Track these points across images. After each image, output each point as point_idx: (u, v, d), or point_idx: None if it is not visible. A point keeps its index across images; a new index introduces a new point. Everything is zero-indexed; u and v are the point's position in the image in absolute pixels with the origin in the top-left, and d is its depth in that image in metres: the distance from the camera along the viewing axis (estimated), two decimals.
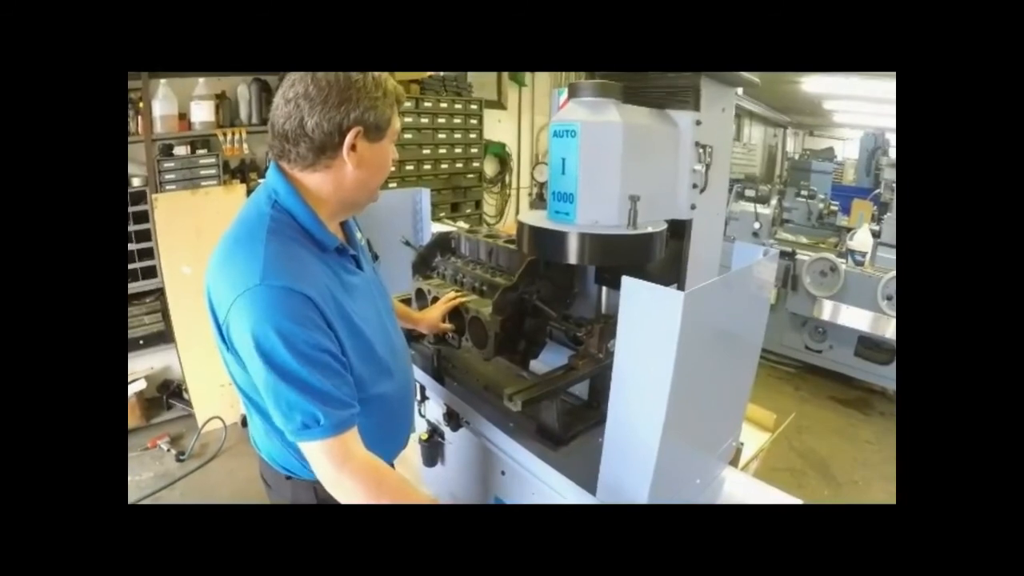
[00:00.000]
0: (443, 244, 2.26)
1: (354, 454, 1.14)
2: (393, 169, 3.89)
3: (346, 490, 1.15)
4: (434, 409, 2.33)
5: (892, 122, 8.97)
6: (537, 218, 1.57)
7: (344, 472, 1.13)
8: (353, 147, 1.18)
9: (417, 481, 2.82)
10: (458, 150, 5.31)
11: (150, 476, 3.29)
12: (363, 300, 1.30)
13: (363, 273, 1.35)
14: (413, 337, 2.39)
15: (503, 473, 2.01)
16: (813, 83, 8.30)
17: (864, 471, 3.53)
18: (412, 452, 2.85)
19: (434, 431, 2.41)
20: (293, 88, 1.17)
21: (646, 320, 1.17)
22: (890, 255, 4.18)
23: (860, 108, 9.91)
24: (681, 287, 1.66)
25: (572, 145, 1.44)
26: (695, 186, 1.64)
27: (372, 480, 1.16)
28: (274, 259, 1.09)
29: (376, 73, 1.22)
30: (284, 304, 1.06)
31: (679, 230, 1.68)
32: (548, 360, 2.01)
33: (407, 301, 2.32)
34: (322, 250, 1.22)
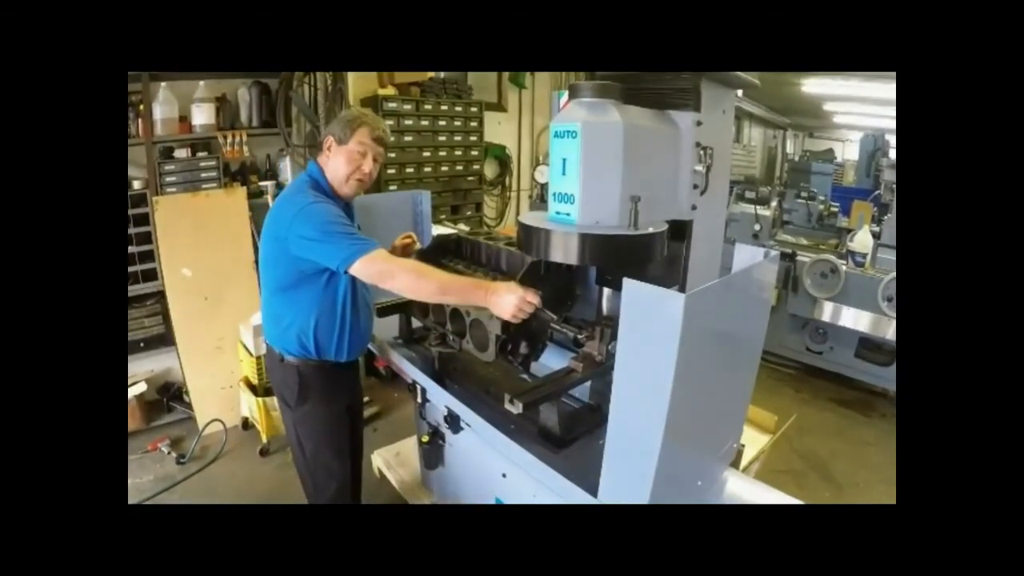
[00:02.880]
0: (444, 246, 2.26)
1: (397, 259, 1.87)
2: (392, 171, 4.11)
3: (403, 282, 1.75)
4: (435, 411, 2.33)
5: (892, 124, 8.97)
6: (538, 219, 1.57)
7: (394, 266, 1.77)
8: (328, 147, 1.99)
9: (418, 483, 2.83)
10: (458, 152, 5.30)
11: (150, 479, 3.28)
12: None
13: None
14: (414, 339, 2.40)
15: (504, 475, 2.01)
16: (813, 85, 8.29)
17: (865, 473, 3.52)
18: (413, 454, 2.85)
19: (435, 433, 2.41)
20: None
21: (647, 322, 1.17)
22: (890, 256, 4.16)
23: (860, 110, 9.90)
24: (682, 288, 1.66)
25: (573, 146, 1.44)
26: (696, 187, 1.64)
27: (415, 269, 1.78)
28: (313, 195, 1.90)
29: (360, 111, 2.13)
30: (324, 207, 1.85)
31: (680, 231, 1.68)
32: (549, 362, 2.01)
33: (407, 304, 2.32)
34: (335, 203, 1.94)
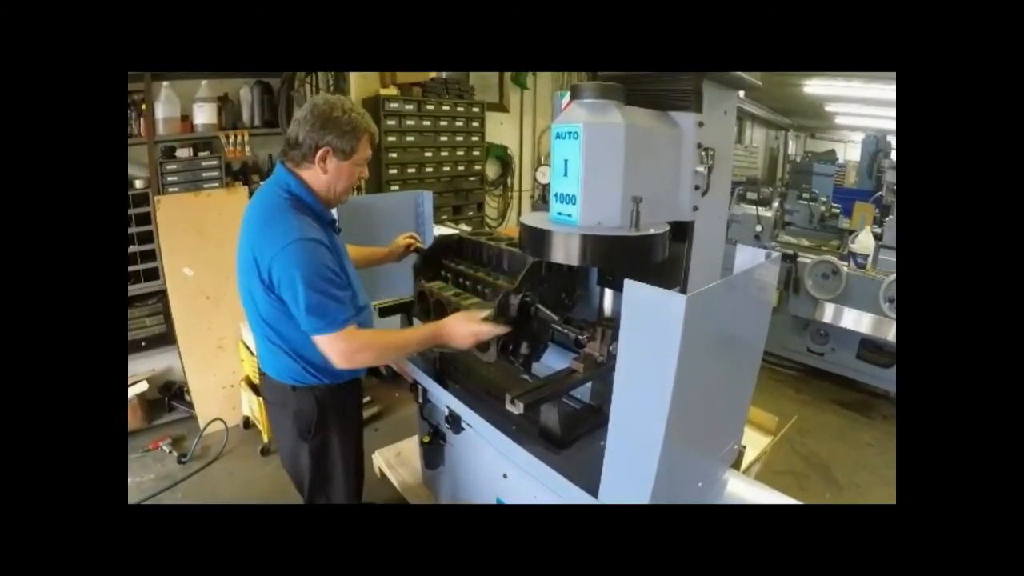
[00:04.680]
0: (445, 247, 2.26)
1: (359, 336, 1.73)
2: (394, 172, 4.11)
3: (361, 361, 1.77)
4: (436, 411, 2.33)
5: (894, 124, 8.96)
6: (539, 219, 1.57)
7: (354, 349, 1.71)
8: (323, 160, 1.74)
9: (419, 483, 2.83)
10: (460, 153, 5.31)
11: (152, 478, 3.28)
12: (342, 254, 1.87)
13: (337, 236, 1.91)
14: None
15: (505, 476, 2.01)
16: (815, 86, 8.30)
17: (866, 474, 3.52)
18: (414, 455, 2.86)
19: (436, 433, 2.41)
20: (302, 111, 1.74)
21: (648, 323, 1.17)
22: (892, 258, 4.15)
23: (862, 111, 9.91)
24: (683, 289, 1.66)
25: (574, 147, 1.44)
26: (697, 188, 1.64)
27: (373, 346, 1.78)
28: (299, 224, 1.67)
29: (356, 112, 1.75)
30: (313, 249, 1.65)
31: (681, 232, 1.67)
32: (551, 363, 2.01)
33: (409, 304, 2.32)
34: (319, 220, 1.78)
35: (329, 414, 1.93)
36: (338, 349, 1.69)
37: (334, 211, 1.96)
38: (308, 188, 1.77)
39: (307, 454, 1.95)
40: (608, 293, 1.87)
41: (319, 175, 1.76)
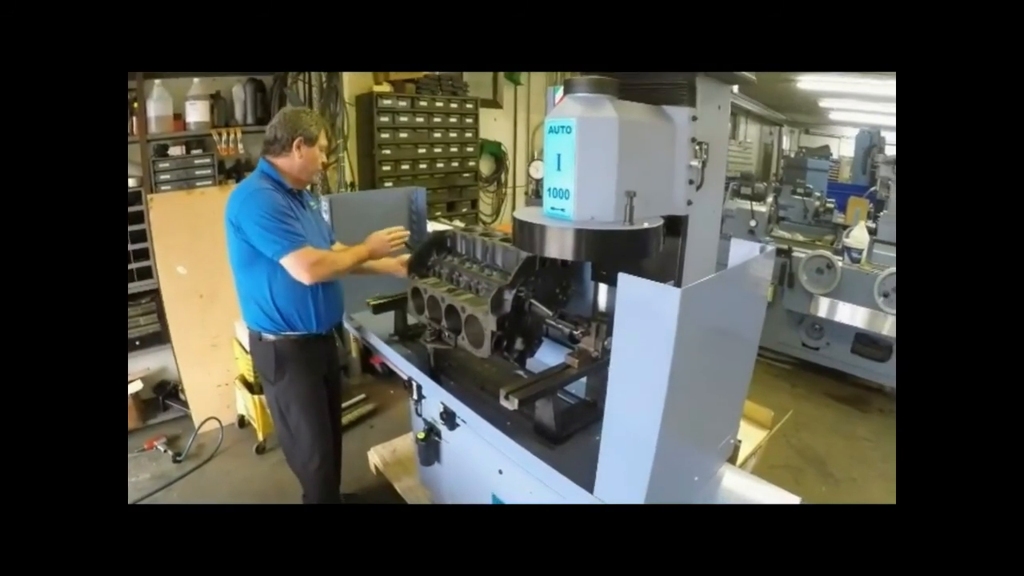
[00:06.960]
0: (439, 243, 2.25)
1: (314, 252, 2.11)
2: (388, 168, 4.18)
3: (315, 274, 2.09)
4: (431, 408, 2.33)
5: (888, 120, 9.00)
6: (533, 214, 1.56)
7: (313, 261, 2.07)
8: (298, 147, 2.19)
9: (414, 480, 2.82)
10: (454, 149, 5.29)
11: (147, 477, 3.27)
12: (305, 221, 2.23)
13: (306, 211, 2.31)
14: (409, 336, 2.39)
15: (500, 472, 2.01)
16: (808, 81, 8.30)
17: (861, 468, 3.54)
18: (410, 451, 2.85)
19: (431, 430, 2.41)
20: (276, 119, 2.25)
21: (643, 317, 1.17)
22: (886, 252, 4.16)
23: (856, 106, 9.93)
24: (678, 284, 1.66)
25: (568, 141, 1.43)
26: (691, 182, 1.64)
27: (327, 260, 2.15)
28: (260, 184, 2.14)
29: (314, 113, 2.35)
30: (269, 195, 2.10)
31: (675, 226, 1.67)
32: (546, 359, 2.01)
33: (402, 300, 2.31)
34: (285, 191, 2.19)
35: (287, 362, 2.26)
36: (302, 263, 2.05)
37: (324, 203, 2.60)
38: (277, 169, 2.22)
39: (273, 396, 2.33)
40: (602, 288, 1.86)
41: (294, 160, 2.21)
